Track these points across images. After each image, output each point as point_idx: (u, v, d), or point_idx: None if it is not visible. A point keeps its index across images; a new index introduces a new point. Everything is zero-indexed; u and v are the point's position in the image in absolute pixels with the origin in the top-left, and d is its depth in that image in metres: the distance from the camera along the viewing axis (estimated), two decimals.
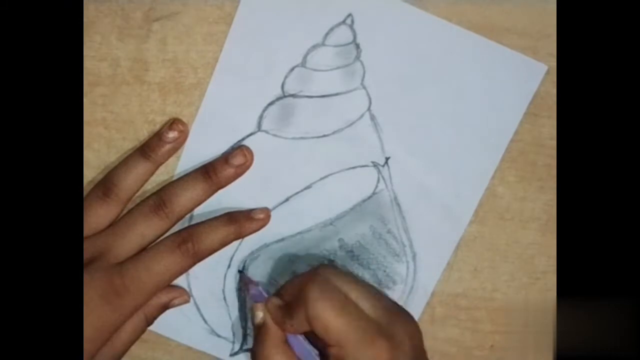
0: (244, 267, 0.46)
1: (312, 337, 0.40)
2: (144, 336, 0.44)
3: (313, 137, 0.45)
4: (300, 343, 0.40)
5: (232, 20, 0.44)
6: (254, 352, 0.41)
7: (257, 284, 0.43)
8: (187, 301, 0.46)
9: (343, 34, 0.44)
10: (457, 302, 0.46)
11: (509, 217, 0.45)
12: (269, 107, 0.45)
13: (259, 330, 0.41)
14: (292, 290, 0.41)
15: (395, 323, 0.39)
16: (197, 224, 0.44)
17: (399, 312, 0.40)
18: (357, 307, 0.39)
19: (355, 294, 0.39)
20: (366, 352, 0.37)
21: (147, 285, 0.42)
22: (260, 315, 0.41)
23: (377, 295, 0.40)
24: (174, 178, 0.45)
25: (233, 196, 0.45)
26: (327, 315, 0.38)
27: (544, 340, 0.46)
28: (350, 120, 0.45)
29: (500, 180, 0.45)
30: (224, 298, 0.46)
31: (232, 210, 0.45)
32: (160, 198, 0.43)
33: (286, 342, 0.40)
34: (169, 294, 0.45)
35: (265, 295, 0.42)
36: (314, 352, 0.40)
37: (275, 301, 0.41)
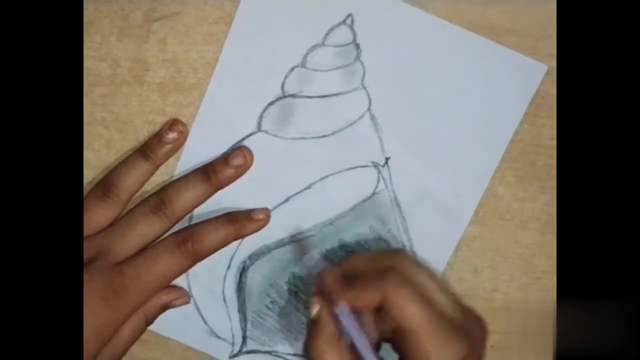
0: (300, 234, 0.45)
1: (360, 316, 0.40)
2: (143, 336, 0.44)
3: (313, 137, 0.45)
4: (351, 320, 0.39)
5: (232, 20, 0.44)
6: (307, 347, 0.39)
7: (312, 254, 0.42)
8: (187, 302, 0.46)
9: (343, 34, 0.44)
10: None
11: (508, 217, 0.45)
12: (268, 107, 0.45)
13: (313, 325, 0.39)
14: (365, 262, 0.40)
15: (470, 322, 0.38)
16: (197, 224, 0.44)
17: (471, 311, 0.39)
18: (435, 301, 0.38)
19: (432, 286, 0.38)
20: (442, 348, 0.37)
21: (147, 285, 0.42)
22: (316, 308, 0.39)
23: (451, 290, 0.39)
24: (174, 178, 0.45)
25: (233, 196, 0.45)
26: (408, 306, 0.37)
27: (544, 340, 0.46)
28: (350, 121, 0.45)
29: (500, 181, 0.45)
30: (224, 299, 0.46)
31: (232, 210, 0.45)
32: (160, 198, 0.43)
33: (340, 338, 0.39)
34: (169, 295, 0.45)
35: (322, 262, 0.41)
36: (361, 332, 0.39)
37: (337, 273, 0.39)
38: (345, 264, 0.40)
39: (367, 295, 0.38)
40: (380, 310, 0.38)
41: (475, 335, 0.38)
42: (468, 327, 0.38)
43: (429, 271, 0.39)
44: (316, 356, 0.38)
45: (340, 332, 0.39)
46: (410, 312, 0.37)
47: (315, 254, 0.42)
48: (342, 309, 0.38)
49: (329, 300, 0.39)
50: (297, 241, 0.45)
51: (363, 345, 0.38)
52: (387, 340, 0.39)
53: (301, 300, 0.46)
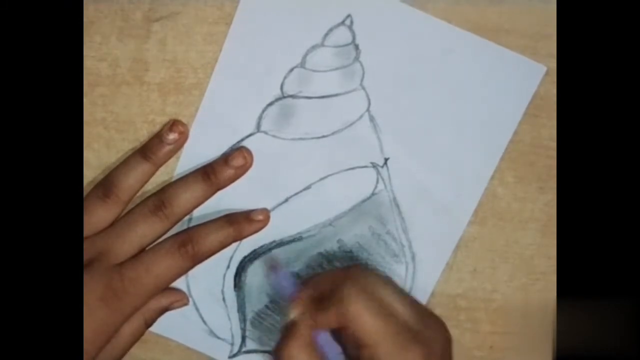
0: (269, 251, 0.45)
1: (338, 335, 0.40)
2: (143, 336, 0.44)
3: (312, 138, 0.45)
4: (329, 342, 0.39)
5: (232, 21, 0.44)
6: (278, 352, 0.39)
7: (284, 271, 0.43)
8: (186, 304, 0.46)
9: (342, 35, 0.44)
10: (456, 302, 0.46)
11: (508, 217, 0.45)
12: (268, 107, 0.45)
13: (288, 329, 0.40)
14: (324, 284, 0.40)
15: (429, 329, 0.39)
16: (197, 226, 0.44)
17: (431, 318, 0.39)
18: (393, 310, 0.38)
19: (389, 297, 0.39)
20: (400, 357, 0.37)
21: (147, 287, 0.42)
22: (298, 311, 0.40)
23: (410, 299, 0.40)
24: (174, 179, 0.45)
25: (232, 197, 0.45)
26: (366, 316, 0.37)
27: (543, 340, 0.46)
28: (350, 121, 0.45)
29: (500, 181, 0.45)
30: (223, 299, 0.46)
31: (231, 211, 0.45)
32: (159, 199, 0.43)
33: (312, 344, 0.39)
34: (169, 298, 0.45)
35: (295, 283, 0.41)
36: (340, 352, 0.40)
37: (308, 293, 0.40)
38: (313, 284, 0.41)
39: (328, 315, 0.38)
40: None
41: (435, 342, 0.38)
42: (427, 334, 0.38)
43: (385, 279, 0.40)
44: (288, 358, 0.38)
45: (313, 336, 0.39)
46: (366, 324, 0.37)
47: (285, 272, 0.43)
48: (319, 333, 0.39)
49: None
50: (270, 260, 0.46)
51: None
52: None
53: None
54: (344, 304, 0.38)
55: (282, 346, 0.39)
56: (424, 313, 0.39)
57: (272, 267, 0.44)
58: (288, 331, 0.39)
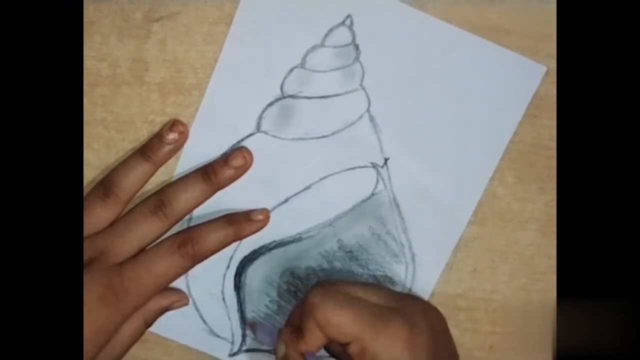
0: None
1: (333, 350, 0.41)
2: (143, 336, 0.44)
3: (312, 138, 0.45)
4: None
5: (232, 21, 0.44)
6: None
7: (262, 325, 0.45)
8: (186, 304, 0.46)
9: (342, 35, 0.44)
10: (456, 302, 0.46)
11: (508, 218, 0.45)
12: (268, 107, 0.45)
13: None
14: (299, 312, 0.41)
15: (406, 304, 0.39)
16: (197, 226, 0.44)
17: (411, 297, 0.40)
18: (361, 297, 0.39)
19: (359, 291, 0.39)
20: (384, 335, 0.38)
21: (147, 287, 0.42)
22: (282, 350, 0.41)
23: (383, 287, 0.40)
24: (174, 179, 0.45)
25: (232, 197, 0.45)
26: (334, 313, 0.38)
27: (543, 340, 0.46)
28: (350, 121, 0.45)
29: (500, 181, 0.45)
30: (223, 299, 0.46)
31: (231, 211, 0.45)
32: (159, 199, 0.43)
33: None
34: (169, 298, 0.45)
35: (274, 330, 0.43)
36: None
37: (288, 330, 0.41)
38: (291, 320, 0.42)
39: (308, 336, 0.39)
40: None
41: (417, 315, 0.39)
42: (406, 309, 0.39)
43: (351, 280, 0.41)
44: None
45: None
46: (340, 322, 0.38)
47: (262, 325, 0.45)
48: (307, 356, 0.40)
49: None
50: (248, 324, 0.47)
51: None
52: None
53: (300, 299, 0.46)
54: (314, 315, 0.39)
55: None
56: (401, 295, 0.40)
57: (251, 326, 0.46)
58: None
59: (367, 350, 0.38)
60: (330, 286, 0.40)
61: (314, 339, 0.39)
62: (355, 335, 0.38)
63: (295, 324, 0.41)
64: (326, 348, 0.41)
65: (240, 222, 0.44)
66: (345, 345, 0.39)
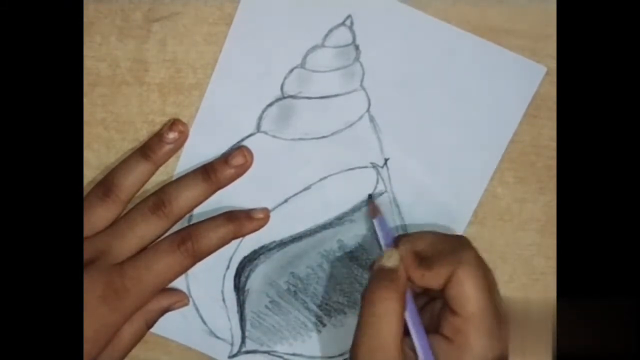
0: (370, 196, 0.45)
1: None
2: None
3: (312, 138, 0.45)
4: (414, 308, 0.38)
5: (232, 21, 0.44)
6: (367, 295, 0.38)
7: (383, 218, 0.42)
8: (186, 304, 0.46)
9: (342, 35, 0.44)
10: None
11: (508, 218, 0.45)
12: (268, 108, 0.45)
13: (385, 274, 0.38)
14: (429, 244, 0.39)
15: (507, 323, 0.38)
16: (197, 224, 0.44)
17: (506, 314, 0.39)
18: (495, 293, 0.38)
19: (493, 280, 0.39)
20: (488, 338, 0.37)
21: (147, 286, 0.42)
22: (393, 261, 0.39)
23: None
24: (174, 178, 0.45)
25: (232, 197, 0.45)
26: (475, 287, 0.37)
27: (543, 340, 0.46)
28: (350, 122, 0.45)
29: (500, 182, 0.45)
30: (223, 299, 0.46)
31: (231, 210, 0.45)
32: (159, 198, 0.43)
33: (404, 297, 0.38)
34: (169, 298, 0.45)
35: (392, 234, 0.41)
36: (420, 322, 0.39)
37: (410, 247, 0.39)
38: (413, 240, 0.40)
39: (437, 272, 0.38)
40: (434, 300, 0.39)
41: (507, 341, 0.38)
42: (505, 332, 0.38)
43: (487, 264, 0.39)
44: (379, 302, 0.37)
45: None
46: (471, 292, 0.37)
47: (384, 219, 0.42)
48: (408, 295, 0.38)
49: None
50: (370, 200, 0.45)
51: (419, 331, 0.38)
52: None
53: (300, 300, 0.46)
54: (459, 266, 0.37)
55: (374, 288, 0.38)
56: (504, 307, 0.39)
57: (373, 211, 0.43)
58: (382, 276, 0.38)
59: (466, 337, 0.37)
60: (481, 258, 0.38)
61: (436, 278, 0.38)
62: (470, 315, 0.37)
63: (417, 250, 0.39)
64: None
65: (240, 219, 0.44)
66: (452, 310, 0.37)
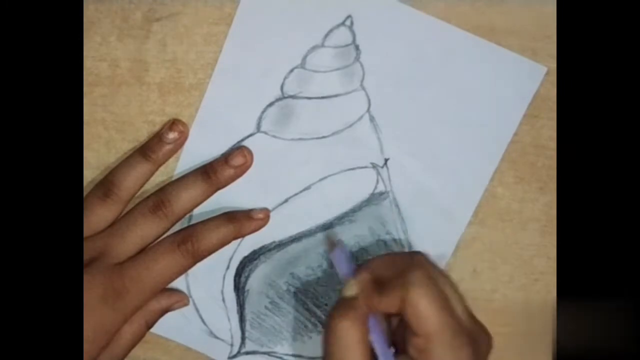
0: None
1: (389, 321, 0.39)
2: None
3: (312, 139, 0.45)
4: (379, 332, 0.38)
5: (232, 21, 0.44)
6: (331, 323, 0.38)
7: (342, 249, 0.41)
8: (186, 305, 0.46)
9: (342, 35, 0.44)
10: None
11: (508, 218, 0.45)
12: (268, 108, 0.45)
13: (341, 304, 0.39)
14: (385, 267, 0.39)
15: (480, 333, 0.38)
16: (197, 224, 0.44)
17: (481, 323, 0.39)
18: (452, 305, 0.37)
19: (449, 291, 0.38)
20: (452, 353, 0.36)
21: (147, 286, 0.42)
22: (352, 291, 0.39)
23: (463, 299, 0.39)
24: (174, 178, 0.45)
25: (232, 197, 0.45)
26: (429, 306, 0.37)
27: (544, 340, 0.46)
28: (350, 122, 0.45)
29: (500, 182, 0.45)
30: (223, 299, 0.46)
31: (231, 210, 0.45)
32: (159, 198, 0.43)
33: (365, 324, 0.38)
34: (169, 299, 0.45)
35: (353, 265, 0.41)
36: (388, 344, 0.39)
37: (367, 275, 0.39)
38: (372, 266, 0.40)
39: (390, 297, 0.38)
40: (393, 317, 0.39)
41: (482, 347, 0.38)
42: (476, 335, 0.38)
43: (446, 277, 0.39)
44: (340, 331, 0.37)
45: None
46: (426, 312, 0.37)
47: (344, 249, 0.42)
48: (372, 318, 0.38)
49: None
50: (327, 234, 0.45)
51: (386, 354, 0.38)
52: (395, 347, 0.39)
53: (300, 300, 0.46)
54: (409, 288, 0.37)
55: (335, 318, 0.38)
56: (471, 314, 0.39)
57: (331, 244, 0.44)
58: (342, 305, 0.38)
59: (430, 355, 0.37)
60: (432, 274, 0.38)
61: (391, 303, 0.38)
62: (429, 335, 0.37)
63: (375, 275, 0.39)
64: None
65: (240, 219, 0.44)
66: (412, 332, 0.37)
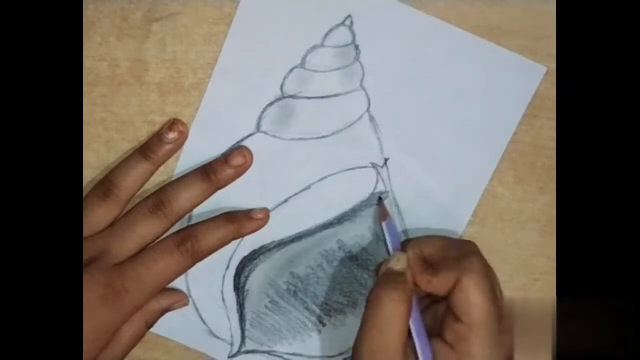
0: (380, 198, 0.45)
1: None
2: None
3: (312, 139, 0.45)
4: (419, 312, 0.39)
5: (232, 21, 0.44)
6: (378, 295, 0.38)
7: (392, 223, 0.42)
8: (186, 305, 0.46)
9: (342, 35, 0.44)
10: None
11: (508, 218, 0.45)
12: (268, 108, 0.45)
13: (393, 277, 0.39)
14: (437, 249, 0.40)
15: (510, 330, 0.39)
16: (197, 224, 0.44)
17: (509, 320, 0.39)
18: (499, 301, 0.38)
19: (498, 287, 0.38)
20: (491, 349, 0.37)
21: (147, 286, 0.42)
22: (401, 265, 0.39)
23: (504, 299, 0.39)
24: (174, 178, 0.45)
25: (232, 197, 0.45)
26: (480, 296, 0.37)
27: (544, 340, 0.46)
28: (350, 122, 0.45)
29: (500, 182, 0.45)
30: (223, 299, 0.46)
31: (231, 210, 0.45)
32: (159, 198, 0.43)
33: (409, 301, 0.38)
34: (169, 299, 0.45)
35: (400, 238, 0.41)
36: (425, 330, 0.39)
37: (418, 252, 0.39)
38: (422, 246, 0.40)
39: (443, 279, 0.38)
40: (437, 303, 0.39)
41: (512, 346, 0.38)
42: (509, 337, 0.38)
43: (494, 273, 0.39)
44: (387, 303, 0.37)
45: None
46: (476, 301, 0.37)
47: (393, 223, 0.42)
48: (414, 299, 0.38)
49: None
50: (379, 202, 0.45)
51: (422, 336, 0.38)
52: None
53: (300, 300, 0.46)
54: (465, 274, 0.37)
55: (385, 289, 0.38)
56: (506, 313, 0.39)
57: (384, 213, 0.43)
58: (390, 279, 0.38)
59: (469, 345, 0.37)
60: (487, 265, 0.38)
61: (441, 284, 0.38)
62: (474, 323, 0.37)
63: (424, 254, 0.39)
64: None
65: (240, 220, 0.44)
66: (456, 317, 0.37)
